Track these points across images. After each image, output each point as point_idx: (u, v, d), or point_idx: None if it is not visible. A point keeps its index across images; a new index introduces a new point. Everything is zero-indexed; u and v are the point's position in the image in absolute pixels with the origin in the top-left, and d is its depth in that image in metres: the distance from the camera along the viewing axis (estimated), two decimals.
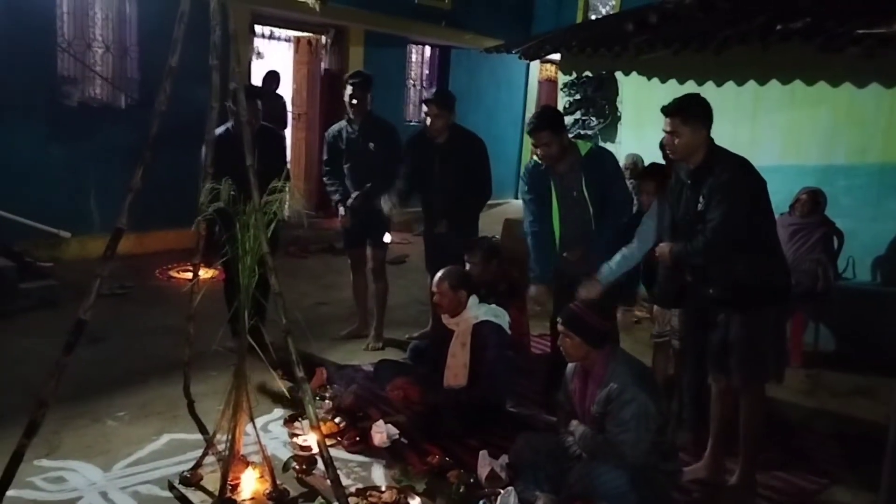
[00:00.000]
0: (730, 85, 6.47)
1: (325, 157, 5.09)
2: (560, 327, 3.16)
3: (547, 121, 3.82)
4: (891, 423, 1.55)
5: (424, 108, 4.78)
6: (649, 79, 7.08)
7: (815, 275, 5.24)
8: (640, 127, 7.34)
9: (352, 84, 4.80)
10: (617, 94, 7.49)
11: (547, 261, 3.92)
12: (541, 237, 3.93)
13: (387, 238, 5.05)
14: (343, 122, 4.98)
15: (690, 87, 6.75)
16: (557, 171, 3.86)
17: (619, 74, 7.42)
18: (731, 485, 3.38)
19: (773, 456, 3.70)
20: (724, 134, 6.71)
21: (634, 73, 7.23)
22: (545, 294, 3.94)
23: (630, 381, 2.98)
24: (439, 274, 3.91)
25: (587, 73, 7.75)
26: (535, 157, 4.03)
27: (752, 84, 6.31)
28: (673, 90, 6.91)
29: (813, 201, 5.39)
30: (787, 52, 5.59)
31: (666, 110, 3.36)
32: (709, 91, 6.61)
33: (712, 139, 3.37)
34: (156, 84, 2.97)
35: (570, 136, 7.81)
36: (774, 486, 3.47)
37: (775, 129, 6.26)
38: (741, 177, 3.27)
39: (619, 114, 7.48)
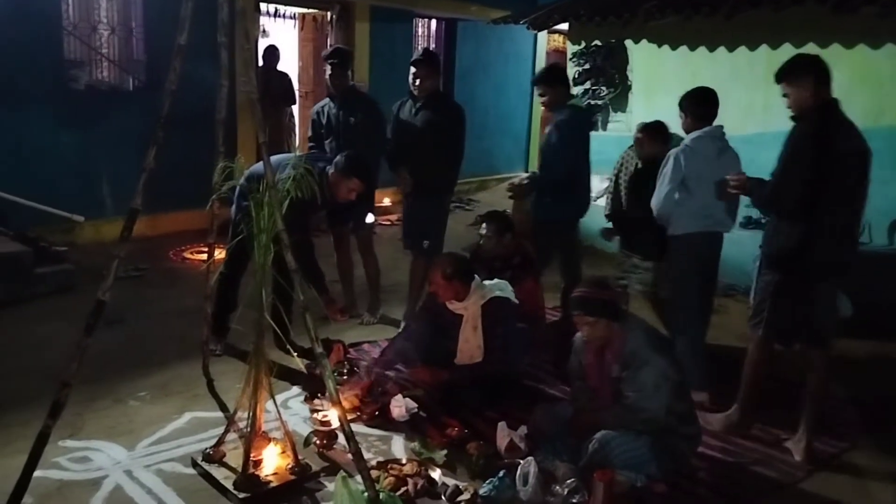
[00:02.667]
0: (742, 50, 6.39)
1: (308, 133, 5.09)
2: (577, 318, 3.14)
3: (553, 77, 4.62)
4: None
5: (412, 69, 4.75)
6: (659, 46, 7.00)
7: None
8: (650, 95, 7.26)
9: (330, 63, 4.85)
10: (627, 62, 7.41)
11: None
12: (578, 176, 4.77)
13: (369, 218, 5.01)
14: (326, 100, 5.01)
15: (702, 53, 6.68)
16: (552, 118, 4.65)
17: (628, 43, 7.33)
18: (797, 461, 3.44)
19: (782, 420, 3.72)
20: (739, 99, 6.71)
21: (644, 41, 7.14)
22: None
23: (647, 345, 3.00)
24: (435, 268, 3.90)
25: (596, 42, 7.66)
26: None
27: (764, 48, 6.22)
28: (684, 57, 6.84)
29: None
30: (799, 14, 5.51)
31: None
32: (720, 56, 6.55)
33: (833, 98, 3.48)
34: (162, 65, 2.98)
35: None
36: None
37: None
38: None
39: (629, 83, 7.40)
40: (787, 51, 6.05)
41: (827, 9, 5.19)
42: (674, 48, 6.91)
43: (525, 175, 4.87)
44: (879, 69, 5.61)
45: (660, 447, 2.98)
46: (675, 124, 7.06)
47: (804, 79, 3.47)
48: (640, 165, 4.76)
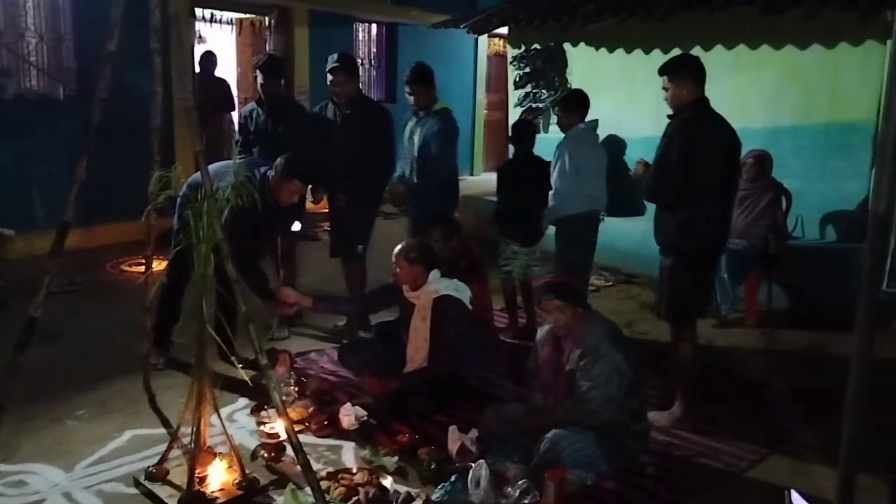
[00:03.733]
0: (676, 52, 6.52)
1: (237, 138, 5.01)
2: (546, 301, 3.18)
3: (424, 74, 4.75)
4: (850, 376, 1.59)
5: (329, 76, 4.72)
6: (597, 49, 7.12)
7: (767, 238, 5.37)
8: (590, 97, 7.37)
9: (259, 70, 4.79)
10: (566, 65, 7.51)
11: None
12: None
13: (296, 226, 4.82)
14: (253, 104, 4.93)
15: (638, 55, 6.82)
16: (419, 116, 4.77)
17: (567, 46, 7.44)
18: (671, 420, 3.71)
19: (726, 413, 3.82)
20: None
21: (582, 44, 7.25)
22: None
23: (604, 338, 3.04)
24: (398, 247, 3.89)
25: (536, 45, 7.75)
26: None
27: (698, 49, 6.38)
28: (621, 59, 6.97)
29: (758, 165, 5.48)
30: (730, 16, 5.67)
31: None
32: (656, 59, 6.68)
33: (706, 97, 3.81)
34: (94, 73, 2.88)
35: (522, 109, 7.88)
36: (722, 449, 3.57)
37: (722, 93, 6.29)
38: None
39: (568, 85, 7.50)
40: (719, 52, 6.23)
41: (756, 11, 5.35)
42: (611, 51, 7.04)
43: (395, 178, 4.90)
44: (807, 69, 5.81)
45: (610, 445, 3.02)
46: (612, 126, 7.22)
47: (685, 77, 3.74)
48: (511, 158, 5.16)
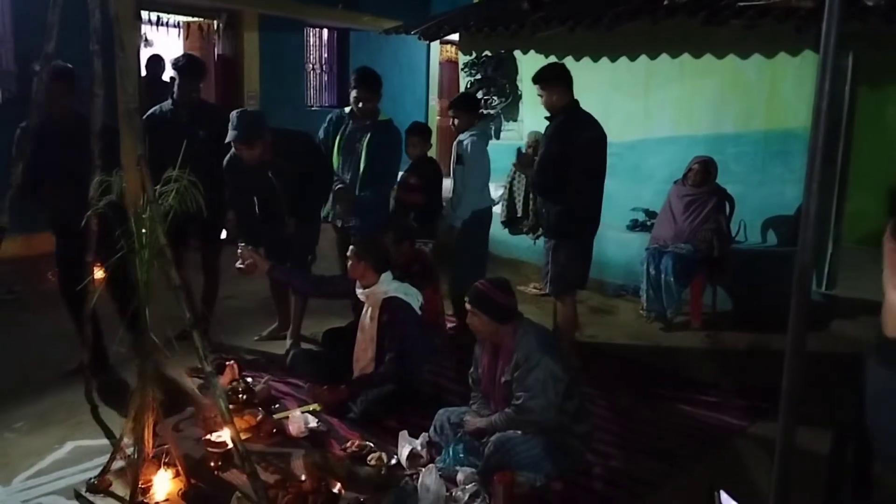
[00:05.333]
0: (623, 60, 6.66)
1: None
2: (467, 306, 3.21)
3: (375, 82, 4.72)
4: (784, 377, 1.64)
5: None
6: (547, 56, 7.19)
7: (712, 242, 5.49)
8: (538, 105, 7.42)
9: (177, 71, 4.55)
10: (517, 72, 7.58)
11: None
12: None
13: (223, 234, 4.73)
14: (168, 104, 4.58)
15: (586, 63, 6.92)
16: (361, 125, 4.69)
17: (517, 53, 7.50)
18: None
19: (671, 412, 3.89)
20: (620, 107, 6.98)
21: (532, 51, 7.33)
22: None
23: (535, 347, 3.06)
24: (353, 243, 3.89)
25: (487, 52, 7.81)
26: (346, 109, 4.81)
27: (644, 58, 6.52)
28: (569, 67, 7.03)
29: (704, 171, 5.62)
30: (674, 26, 5.80)
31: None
32: (603, 66, 6.80)
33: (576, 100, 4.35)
34: (33, 75, 2.80)
35: None
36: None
37: (667, 101, 6.50)
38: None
39: (519, 92, 7.57)
40: (664, 61, 6.37)
41: (698, 21, 5.48)
42: (560, 58, 7.12)
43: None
44: (748, 78, 5.98)
45: (554, 446, 3.05)
46: None
47: (556, 83, 4.30)
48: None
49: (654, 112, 6.62)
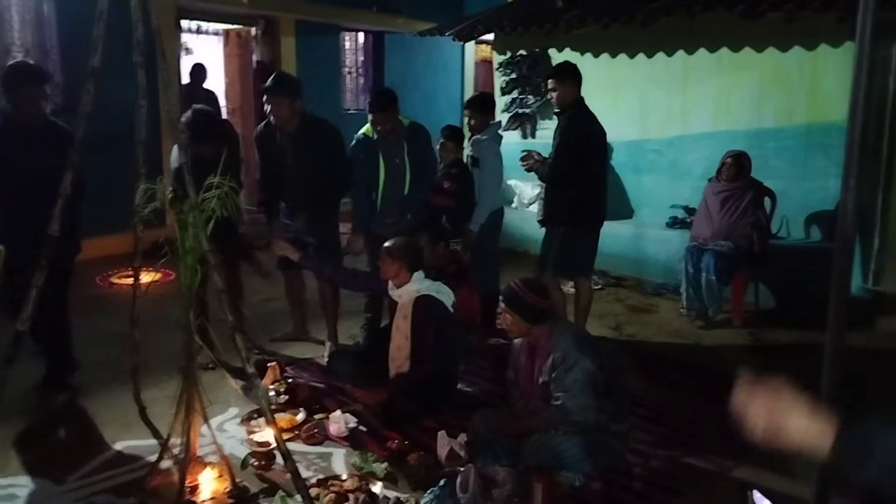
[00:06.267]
0: (660, 55, 6.61)
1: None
2: (501, 306, 3.23)
3: (389, 101, 4.50)
4: (824, 369, 1.63)
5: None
6: (582, 54, 7.17)
7: (750, 236, 5.41)
8: None
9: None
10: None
11: (368, 217, 4.63)
12: (365, 192, 4.62)
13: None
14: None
15: (622, 59, 6.88)
16: (386, 142, 4.52)
17: (552, 51, 7.49)
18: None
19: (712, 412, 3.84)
20: (658, 103, 6.92)
21: (567, 49, 7.31)
22: (360, 243, 4.61)
23: (572, 347, 3.05)
24: (386, 244, 3.93)
25: (521, 51, 7.81)
26: (363, 131, 4.64)
27: (681, 53, 6.46)
28: (605, 64, 7.03)
29: (737, 164, 5.54)
30: (712, 20, 5.73)
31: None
32: (640, 63, 6.76)
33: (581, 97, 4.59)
34: (80, 86, 2.89)
35: (508, 115, 7.92)
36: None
37: (705, 96, 6.43)
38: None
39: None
40: (702, 55, 6.30)
41: (735, 15, 5.41)
42: (596, 56, 7.10)
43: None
44: (789, 71, 5.88)
45: (593, 446, 3.05)
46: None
47: (568, 80, 4.53)
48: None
49: (693, 107, 6.55)
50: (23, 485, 3.15)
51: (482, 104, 5.19)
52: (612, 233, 6.92)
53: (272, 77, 4.45)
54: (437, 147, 4.91)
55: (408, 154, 4.54)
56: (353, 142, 4.66)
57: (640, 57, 6.74)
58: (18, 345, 2.61)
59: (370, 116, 4.50)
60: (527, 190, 7.76)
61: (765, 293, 5.77)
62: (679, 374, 4.56)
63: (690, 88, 6.53)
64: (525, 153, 4.72)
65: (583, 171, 4.47)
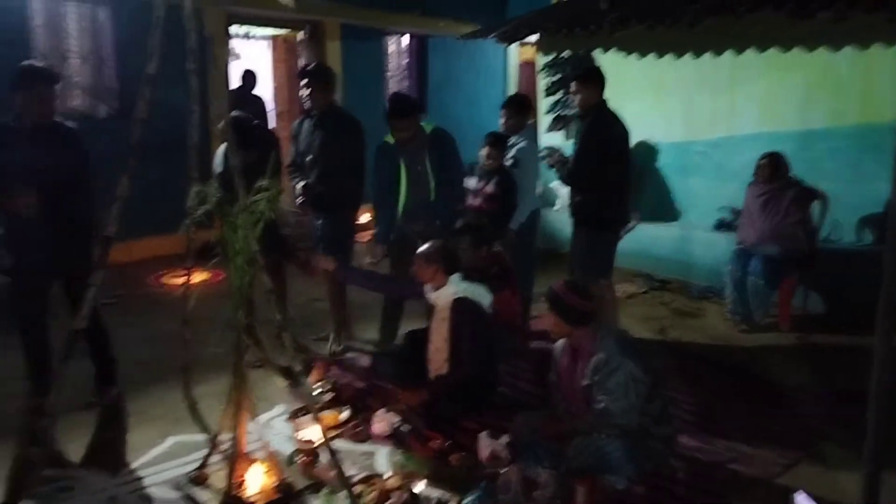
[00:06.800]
0: (707, 56, 6.51)
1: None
2: (543, 306, 3.24)
3: (409, 108, 4.43)
4: (873, 378, 1.61)
5: (301, 81, 4.63)
6: (627, 55, 7.10)
7: (797, 238, 5.30)
8: (620, 103, 7.28)
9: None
10: None
11: (389, 220, 4.58)
12: (387, 200, 4.58)
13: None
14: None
15: (668, 60, 6.79)
16: (408, 148, 4.47)
17: (596, 52, 7.44)
18: None
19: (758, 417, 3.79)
20: (705, 104, 6.84)
21: (612, 51, 7.25)
22: (382, 252, 4.59)
23: (615, 351, 3.05)
24: (420, 248, 3.97)
25: (565, 53, 7.78)
26: (385, 139, 4.56)
27: (728, 54, 6.35)
28: (651, 65, 6.95)
29: (772, 165, 5.43)
30: (760, 20, 5.63)
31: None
32: (687, 63, 6.67)
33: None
34: (134, 92, 2.98)
35: (552, 116, 7.91)
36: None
37: (753, 96, 6.34)
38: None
39: None
40: (750, 56, 6.19)
41: (784, 15, 5.30)
42: (641, 56, 7.03)
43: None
44: (840, 71, 5.76)
45: (636, 449, 3.03)
46: (643, 131, 7.20)
47: (591, 84, 4.60)
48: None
49: (740, 108, 6.46)
50: (79, 476, 3.27)
51: (519, 105, 5.20)
52: (658, 235, 6.89)
53: (312, 64, 4.62)
54: (482, 153, 4.92)
55: (430, 160, 4.49)
56: (376, 150, 4.62)
57: (687, 57, 6.65)
58: (74, 343, 2.70)
59: (390, 124, 4.45)
60: (564, 191, 7.74)
61: (814, 298, 5.65)
62: (724, 378, 4.51)
63: (738, 89, 6.44)
64: (548, 150, 4.77)
65: (603, 174, 4.49)
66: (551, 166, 4.76)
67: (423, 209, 4.55)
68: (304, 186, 4.71)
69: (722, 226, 6.47)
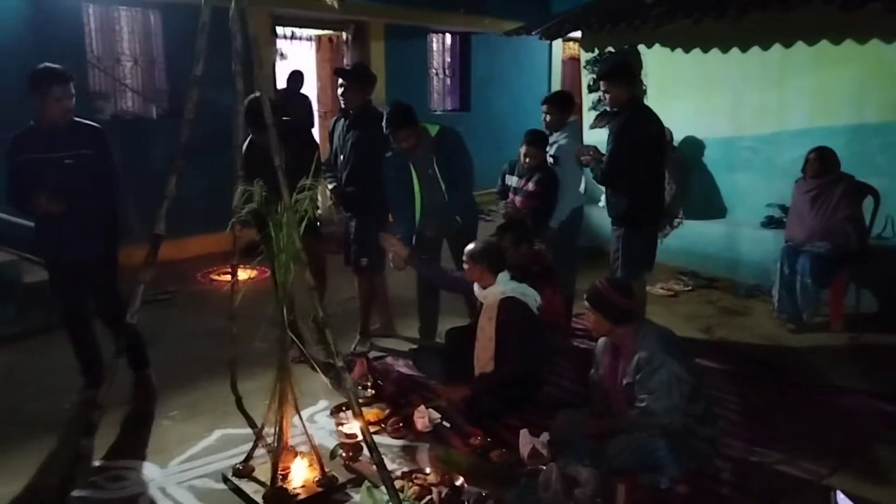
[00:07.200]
0: (755, 50, 6.39)
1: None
2: (584, 304, 3.22)
3: (403, 120, 4.35)
4: None
5: (392, 137, 4.45)
6: (672, 49, 7.02)
7: (847, 234, 5.14)
8: (666, 99, 7.28)
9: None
10: (641, 67, 7.44)
11: (410, 223, 4.60)
12: (403, 207, 4.63)
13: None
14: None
15: (715, 54, 6.69)
16: (415, 155, 4.47)
17: (641, 47, 7.36)
18: None
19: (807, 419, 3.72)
20: (753, 99, 6.71)
21: (657, 45, 7.17)
22: (397, 243, 4.39)
23: (658, 349, 3.02)
24: (466, 248, 3.98)
25: (609, 48, 7.70)
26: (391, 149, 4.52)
27: (777, 47, 6.23)
28: (697, 59, 6.86)
29: (820, 160, 5.28)
30: (810, 12, 5.51)
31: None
32: (734, 57, 6.55)
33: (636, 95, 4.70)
34: (184, 93, 3.07)
35: (596, 113, 7.84)
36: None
37: (803, 91, 6.18)
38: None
39: (644, 87, 7.42)
40: (800, 49, 6.05)
41: (835, 7, 5.18)
42: (687, 51, 6.93)
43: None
44: (893, 64, 5.58)
45: (679, 449, 3.00)
46: (690, 127, 7.10)
47: (620, 81, 4.51)
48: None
49: (789, 103, 6.31)
50: (130, 467, 3.38)
51: (560, 102, 5.17)
52: (704, 232, 6.79)
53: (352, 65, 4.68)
54: (521, 150, 4.92)
55: (438, 163, 4.49)
56: (382, 162, 4.59)
57: (734, 51, 6.54)
58: (127, 336, 2.79)
59: (390, 136, 4.39)
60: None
61: (867, 296, 5.49)
62: (771, 378, 4.42)
63: (787, 83, 6.29)
64: (583, 148, 4.76)
65: (636, 172, 4.45)
66: (586, 165, 4.76)
67: (437, 212, 4.55)
68: (333, 188, 4.81)
69: (771, 223, 6.33)
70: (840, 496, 1.82)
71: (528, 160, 4.87)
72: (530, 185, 4.86)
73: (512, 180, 5.04)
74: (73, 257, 3.87)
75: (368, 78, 4.89)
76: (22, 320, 5.21)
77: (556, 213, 4.85)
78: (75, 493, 2.96)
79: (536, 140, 4.89)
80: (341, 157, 4.79)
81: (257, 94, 4.33)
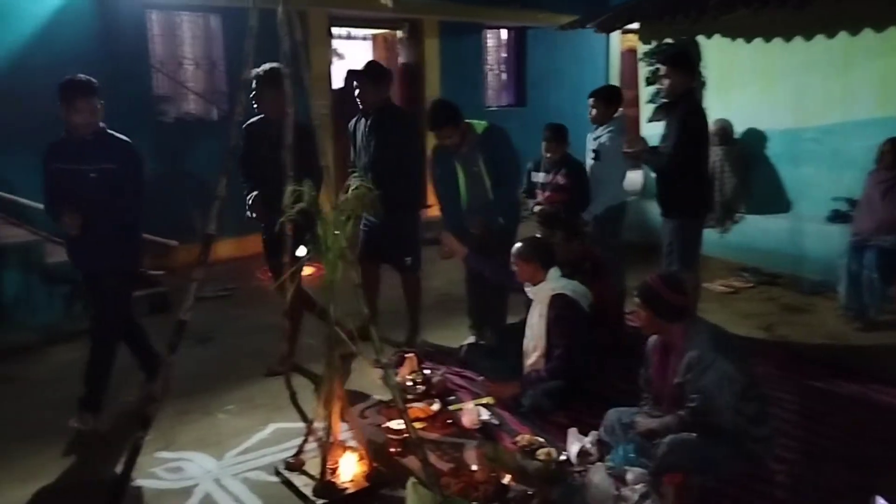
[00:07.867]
0: (819, 38, 6.16)
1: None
2: (635, 300, 3.17)
3: (445, 118, 4.37)
4: None
5: (438, 135, 4.49)
6: (733, 40, 6.83)
7: None
8: (726, 90, 7.12)
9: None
10: (700, 58, 7.26)
11: (456, 219, 4.60)
12: (450, 203, 4.64)
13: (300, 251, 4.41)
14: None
15: (777, 44, 6.48)
16: (460, 152, 4.47)
17: (700, 38, 7.18)
18: None
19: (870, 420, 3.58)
20: (816, 89, 6.47)
21: (717, 36, 6.98)
22: (455, 242, 4.44)
23: (708, 348, 2.95)
24: (516, 245, 3.97)
25: (668, 39, 7.55)
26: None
27: (842, 35, 5.99)
28: (759, 49, 6.66)
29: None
30: None
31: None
32: (796, 46, 6.33)
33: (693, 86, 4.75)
34: (244, 95, 3.14)
35: (654, 105, 7.69)
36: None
37: (870, 79, 5.96)
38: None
39: (703, 79, 7.25)
40: (866, 36, 5.81)
41: None
42: (748, 41, 6.73)
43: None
44: None
45: (731, 450, 2.94)
46: (751, 119, 6.90)
47: (682, 69, 4.51)
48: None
49: (855, 92, 6.08)
50: (188, 459, 3.50)
51: (606, 96, 5.13)
52: (766, 227, 6.60)
53: (365, 63, 4.78)
54: (542, 146, 4.91)
55: (483, 161, 4.46)
56: (431, 153, 4.68)
57: (797, 40, 6.32)
58: (181, 332, 2.89)
59: (433, 133, 4.45)
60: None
61: None
62: (834, 378, 4.27)
63: (852, 72, 6.05)
64: (630, 140, 4.75)
65: (697, 163, 4.52)
66: (636, 158, 4.73)
67: (482, 209, 4.53)
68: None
69: (837, 217, 6.11)
70: (880, 501, 1.75)
71: (549, 155, 4.87)
72: (559, 178, 4.86)
73: (539, 177, 5.05)
74: (91, 269, 3.93)
75: (382, 76, 4.74)
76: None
77: (592, 206, 4.84)
78: (135, 483, 3.08)
79: (555, 134, 4.90)
80: (364, 157, 4.69)
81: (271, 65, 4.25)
